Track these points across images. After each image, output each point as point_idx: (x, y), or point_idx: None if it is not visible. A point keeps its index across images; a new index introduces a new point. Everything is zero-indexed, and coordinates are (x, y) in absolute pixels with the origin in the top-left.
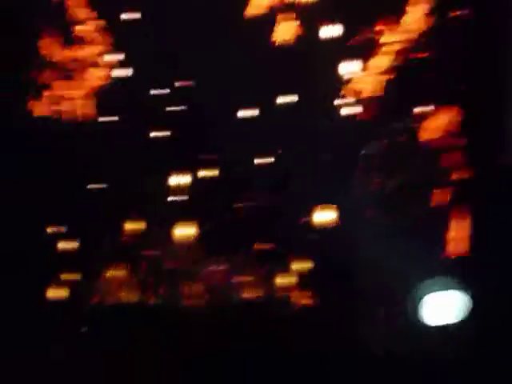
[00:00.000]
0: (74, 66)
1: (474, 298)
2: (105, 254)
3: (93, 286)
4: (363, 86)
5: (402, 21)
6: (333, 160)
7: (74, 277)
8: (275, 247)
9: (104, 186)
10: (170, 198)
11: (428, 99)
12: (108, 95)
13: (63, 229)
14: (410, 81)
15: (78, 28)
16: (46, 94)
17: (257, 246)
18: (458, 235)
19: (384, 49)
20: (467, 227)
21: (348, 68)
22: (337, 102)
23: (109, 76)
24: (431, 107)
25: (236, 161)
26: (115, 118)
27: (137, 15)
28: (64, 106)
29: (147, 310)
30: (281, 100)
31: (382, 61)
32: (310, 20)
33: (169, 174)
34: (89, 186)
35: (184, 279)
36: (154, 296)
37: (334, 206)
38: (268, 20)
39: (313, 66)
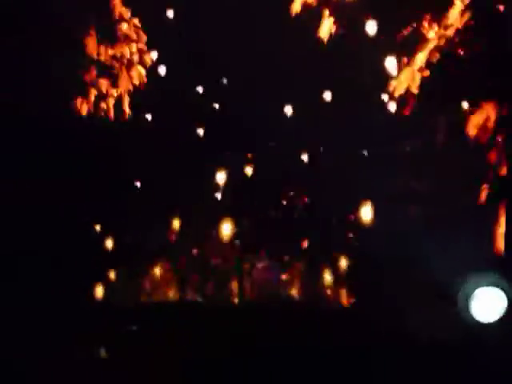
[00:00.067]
0: (118, 64)
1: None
2: (150, 252)
3: (139, 283)
4: (405, 82)
5: (443, 17)
6: (375, 156)
7: (120, 275)
8: (318, 244)
9: (147, 184)
10: (213, 196)
11: (468, 95)
12: (151, 93)
13: (108, 227)
14: (450, 77)
15: (121, 27)
16: (91, 92)
17: (300, 243)
18: (497, 231)
19: (426, 45)
20: (504, 224)
21: (390, 64)
22: (379, 97)
23: (151, 74)
24: (472, 103)
25: (278, 157)
26: (157, 116)
27: (177, 14)
28: (108, 104)
29: (191, 306)
30: (323, 96)
31: (423, 57)
32: (353, 17)
33: (211, 172)
34: (132, 185)
35: (228, 277)
36: (199, 294)
37: (377, 202)
38: (310, 16)
39: (356, 63)
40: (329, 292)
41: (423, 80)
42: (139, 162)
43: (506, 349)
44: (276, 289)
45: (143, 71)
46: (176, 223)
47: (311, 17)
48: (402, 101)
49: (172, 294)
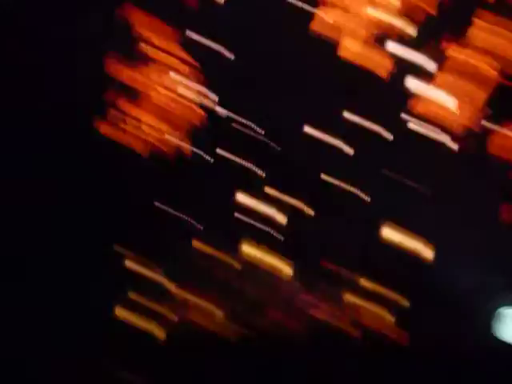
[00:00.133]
0: (141, 86)
1: None
2: (176, 276)
3: (164, 307)
4: (432, 102)
5: (468, 36)
6: (401, 176)
7: (143, 297)
8: (346, 266)
9: (174, 207)
10: (242, 219)
11: (496, 115)
12: (176, 117)
13: (133, 248)
14: (477, 96)
15: (144, 48)
16: (113, 113)
17: (328, 265)
18: None
19: (452, 64)
20: None
21: (416, 83)
22: (404, 117)
23: (176, 97)
24: (498, 123)
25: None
26: (183, 139)
27: (204, 36)
28: (131, 127)
29: (220, 338)
30: (348, 117)
31: (450, 76)
32: (377, 36)
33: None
34: (159, 207)
35: (256, 298)
36: (225, 318)
37: (402, 220)
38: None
39: (380, 82)
40: (357, 314)
41: (452, 99)
42: (167, 185)
43: None
44: (307, 312)
45: (170, 94)
46: (203, 246)
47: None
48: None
49: (198, 319)
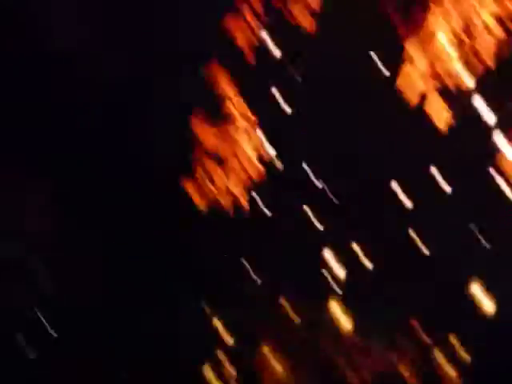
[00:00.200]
0: (224, 146)
1: None
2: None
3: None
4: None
5: None
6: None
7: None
8: (431, 323)
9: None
10: (326, 275)
11: None
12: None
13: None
14: None
15: (226, 107)
16: (198, 174)
17: (413, 322)
18: None
19: None
20: None
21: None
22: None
23: (252, 156)
24: None
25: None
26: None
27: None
28: (215, 184)
29: None
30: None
31: None
32: (463, 98)
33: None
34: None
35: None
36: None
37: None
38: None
39: (466, 142)
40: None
41: None
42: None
43: None
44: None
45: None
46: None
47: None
48: None
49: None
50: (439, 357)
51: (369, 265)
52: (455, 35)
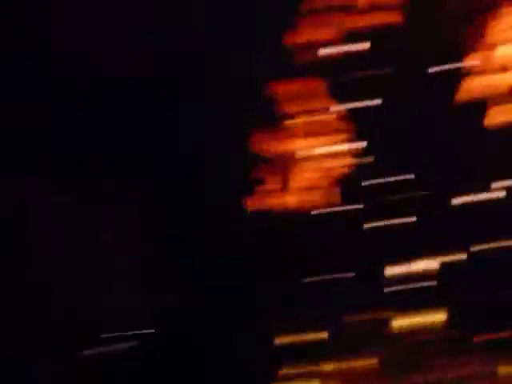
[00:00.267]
0: (287, 158)
1: None
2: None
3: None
4: None
5: None
6: None
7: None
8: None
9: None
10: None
11: None
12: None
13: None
14: None
15: (287, 121)
16: (259, 188)
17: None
18: None
19: None
20: None
21: None
22: None
23: (324, 168)
24: None
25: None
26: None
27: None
28: (278, 200)
29: None
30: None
31: None
32: None
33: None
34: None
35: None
36: None
37: None
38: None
39: None
40: None
41: None
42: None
43: None
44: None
45: (317, 165)
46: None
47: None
48: None
49: None
50: None
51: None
52: None
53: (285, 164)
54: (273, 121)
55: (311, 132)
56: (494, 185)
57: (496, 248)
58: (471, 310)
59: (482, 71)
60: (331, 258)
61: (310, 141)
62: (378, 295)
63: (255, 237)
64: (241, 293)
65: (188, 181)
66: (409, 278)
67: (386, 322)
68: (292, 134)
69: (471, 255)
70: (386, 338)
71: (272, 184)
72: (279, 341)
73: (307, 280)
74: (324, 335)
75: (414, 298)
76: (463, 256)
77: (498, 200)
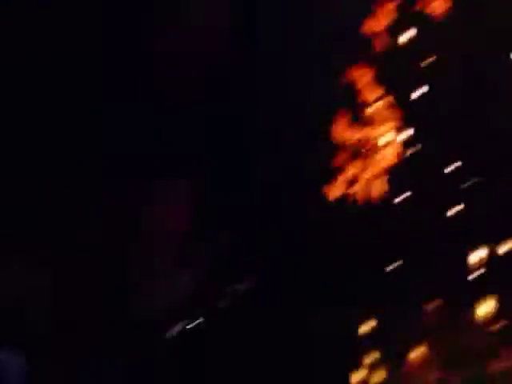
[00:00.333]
0: (366, 146)
1: None
2: (407, 335)
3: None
4: None
5: None
6: None
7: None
8: None
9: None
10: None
11: None
12: (401, 174)
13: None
14: None
15: (368, 109)
16: (339, 177)
17: None
18: None
19: None
20: None
21: None
22: None
23: (401, 154)
24: None
25: None
26: (408, 197)
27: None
28: (357, 188)
29: None
30: None
31: None
32: None
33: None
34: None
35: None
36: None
37: None
38: None
39: None
40: None
41: None
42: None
43: None
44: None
45: (396, 151)
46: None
47: None
48: None
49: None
50: None
51: None
52: None
53: (365, 152)
54: (352, 109)
55: (387, 119)
56: None
57: None
58: None
59: None
60: (410, 245)
61: (387, 127)
62: (458, 282)
63: (340, 225)
64: (325, 281)
65: (268, 171)
66: (488, 264)
67: (465, 309)
68: (372, 122)
69: None
70: (465, 325)
71: (352, 172)
72: (362, 329)
73: (388, 268)
74: (404, 322)
75: (493, 284)
76: None
77: None
